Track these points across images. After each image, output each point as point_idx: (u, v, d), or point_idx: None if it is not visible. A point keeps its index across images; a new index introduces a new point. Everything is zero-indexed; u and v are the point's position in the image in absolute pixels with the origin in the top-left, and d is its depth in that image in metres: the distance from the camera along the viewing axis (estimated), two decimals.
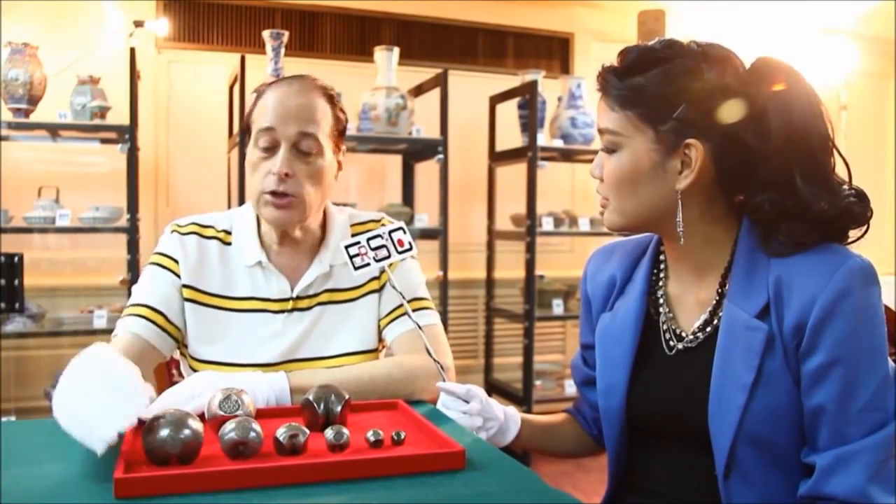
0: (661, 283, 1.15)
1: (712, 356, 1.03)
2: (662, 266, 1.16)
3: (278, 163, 1.24)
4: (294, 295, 1.32)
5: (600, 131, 1.07)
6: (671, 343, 1.10)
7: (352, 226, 1.40)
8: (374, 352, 1.36)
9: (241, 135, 2.93)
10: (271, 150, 1.26)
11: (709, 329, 1.07)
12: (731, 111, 1.00)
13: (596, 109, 1.09)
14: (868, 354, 0.94)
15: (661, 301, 1.14)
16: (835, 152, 1.02)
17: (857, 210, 1.01)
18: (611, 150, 1.05)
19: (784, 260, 1.00)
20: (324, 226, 1.38)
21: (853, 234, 1.04)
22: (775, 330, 0.98)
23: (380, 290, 1.38)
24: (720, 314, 1.05)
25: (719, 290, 1.07)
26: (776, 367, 0.98)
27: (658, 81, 1.01)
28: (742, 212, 1.06)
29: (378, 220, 1.41)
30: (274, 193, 1.25)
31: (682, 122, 1.00)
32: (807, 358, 0.96)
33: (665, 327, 1.12)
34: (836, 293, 0.94)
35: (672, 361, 1.10)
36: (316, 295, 1.34)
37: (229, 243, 1.34)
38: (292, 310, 1.32)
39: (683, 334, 1.10)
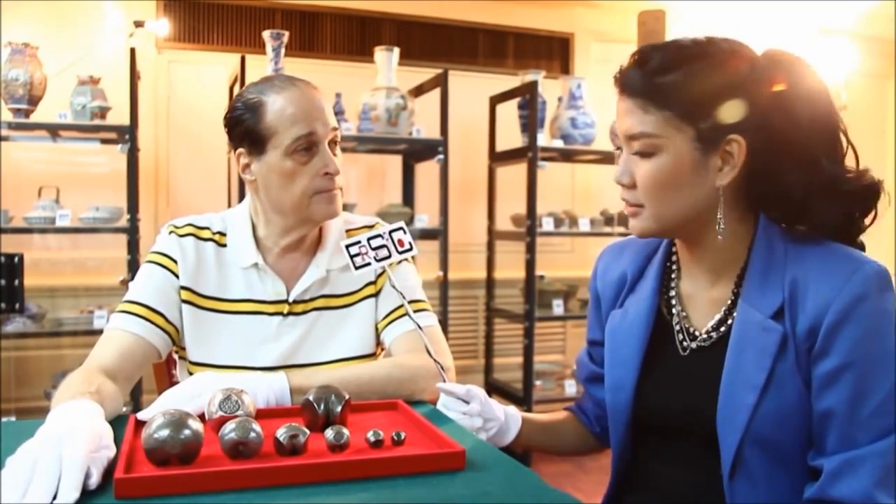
0: (673, 282, 1.15)
1: (724, 355, 1.03)
2: (675, 265, 1.16)
3: (327, 163, 1.27)
4: (290, 299, 1.32)
5: (631, 137, 1.02)
6: (685, 343, 1.10)
7: (347, 231, 1.40)
8: (371, 356, 1.36)
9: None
10: (307, 151, 1.26)
11: (723, 329, 1.07)
12: (765, 104, 1.00)
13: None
14: (880, 360, 0.94)
15: (674, 300, 1.13)
16: (844, 140, 1.04)
17: (878, 188, 1.03)
18: (647, 154, 1.01)
19: (800, 261, 1.00)
20: (320, 229, 1.38)
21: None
22: (788, 331, 0.98)
23: (376, 294, 1.38)
24: (734, 314, 1.05)
25: (734, 290, 1.06)
26: (787, 368, 0.98)
27: (695, 78, 0.99)
28: (760, 206, 1.06)
29: (372, 226, 1.41)
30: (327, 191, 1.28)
31: (722, 118, 0.99)
32: (819, 361, 0.96)
33: (678, 327, 1.11)
34: (851, 297, 0.94)
35: (685, 361, 1.09)
36: (312, 300, 1.34)
37: (224, 245, 1.34)
38: (288, 313, 1.32)
39: (697, 333, 1.10)
